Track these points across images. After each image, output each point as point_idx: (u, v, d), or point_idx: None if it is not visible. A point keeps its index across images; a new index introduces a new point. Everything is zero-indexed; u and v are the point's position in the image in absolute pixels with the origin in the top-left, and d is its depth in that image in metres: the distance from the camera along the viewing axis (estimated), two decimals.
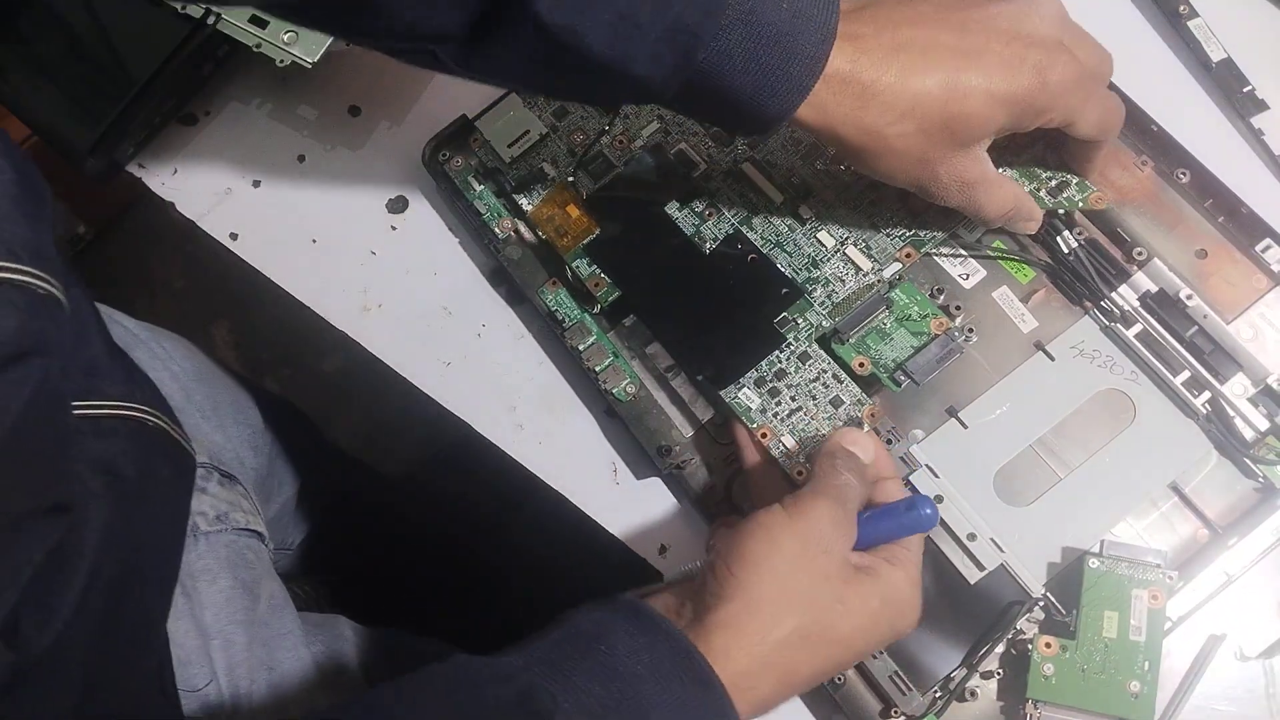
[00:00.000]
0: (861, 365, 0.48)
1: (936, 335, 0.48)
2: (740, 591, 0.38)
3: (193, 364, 0.62)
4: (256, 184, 0.60)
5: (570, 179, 0.55)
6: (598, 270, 0.53)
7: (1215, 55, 0.54)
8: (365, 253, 0.58)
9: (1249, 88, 0.53)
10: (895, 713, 0.44)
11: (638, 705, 0.35)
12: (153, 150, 0.60)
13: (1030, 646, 0.44)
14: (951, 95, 0.40)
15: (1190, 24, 0.54)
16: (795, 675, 0.39)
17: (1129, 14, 0.56)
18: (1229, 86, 0.53)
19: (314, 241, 0.58)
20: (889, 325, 0.49)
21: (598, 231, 0.53)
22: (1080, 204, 0.49)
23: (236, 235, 0.59)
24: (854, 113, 0.41)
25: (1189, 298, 0.48)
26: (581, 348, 0.52)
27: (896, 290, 0.49)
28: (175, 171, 0.60)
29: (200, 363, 0.63)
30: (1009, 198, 0.45)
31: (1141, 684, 0.43)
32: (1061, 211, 0.49)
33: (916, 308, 0.49)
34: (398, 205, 0.59)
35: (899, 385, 0.48)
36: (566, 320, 0.53)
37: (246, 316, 0.56)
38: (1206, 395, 0.47)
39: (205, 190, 0.60)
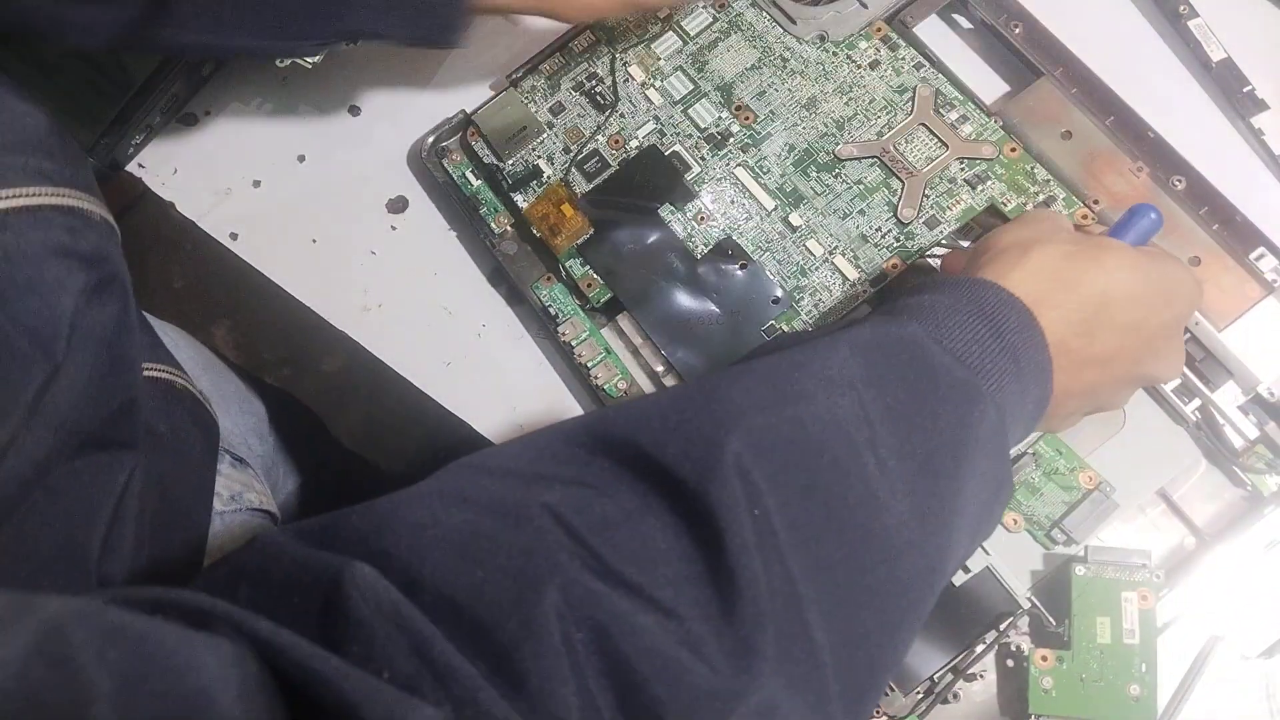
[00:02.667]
0: None
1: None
2: (998, 276, 0.39)
3: (197, 353, 0.64)
4: (257, 184, 0.62)
5: (565, 178, 0.56)
6: (590, 270, 0.54)
7: (1215, 55, 0.54)
8: (365, 252, 0.60)
9: (1249, 88, 0.54)
10: (878, 713, 0.46)
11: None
12: (153, 150, 0.62)
13: (1026, 661, 0.45)
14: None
15: (1190, 24, 0.55)
16: (1092, 343, 0.40)
17: (1129, 14, 0.57)
18: (1229, 86, 0.54)
19: (314, 241, 0.60)
20: None
21: (591, 232, 0.55)
22: (1069, 219, 0.50)
23: (237, 235, 0.61)
24: None
25: None
26: (574, 343, 0.54)
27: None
28: (175, 171, 0.62)
29: (204, 353, 0.65)
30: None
31: (1141, 687, 0.44)
32: None
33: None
34: (398, 205, 0.61)
35: None
36: (560, 315, 0.55)
37: (246, 316, 0.58)
38: (1197, 403, 0.48)
39: (205, 190, 0.62)
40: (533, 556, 0.28)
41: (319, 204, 0.61)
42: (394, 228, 0.60)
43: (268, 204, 0.61)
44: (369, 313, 0.59)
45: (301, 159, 0.62)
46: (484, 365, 0.57)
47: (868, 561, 0.32)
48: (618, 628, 0.27)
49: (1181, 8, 0.55)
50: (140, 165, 0.62)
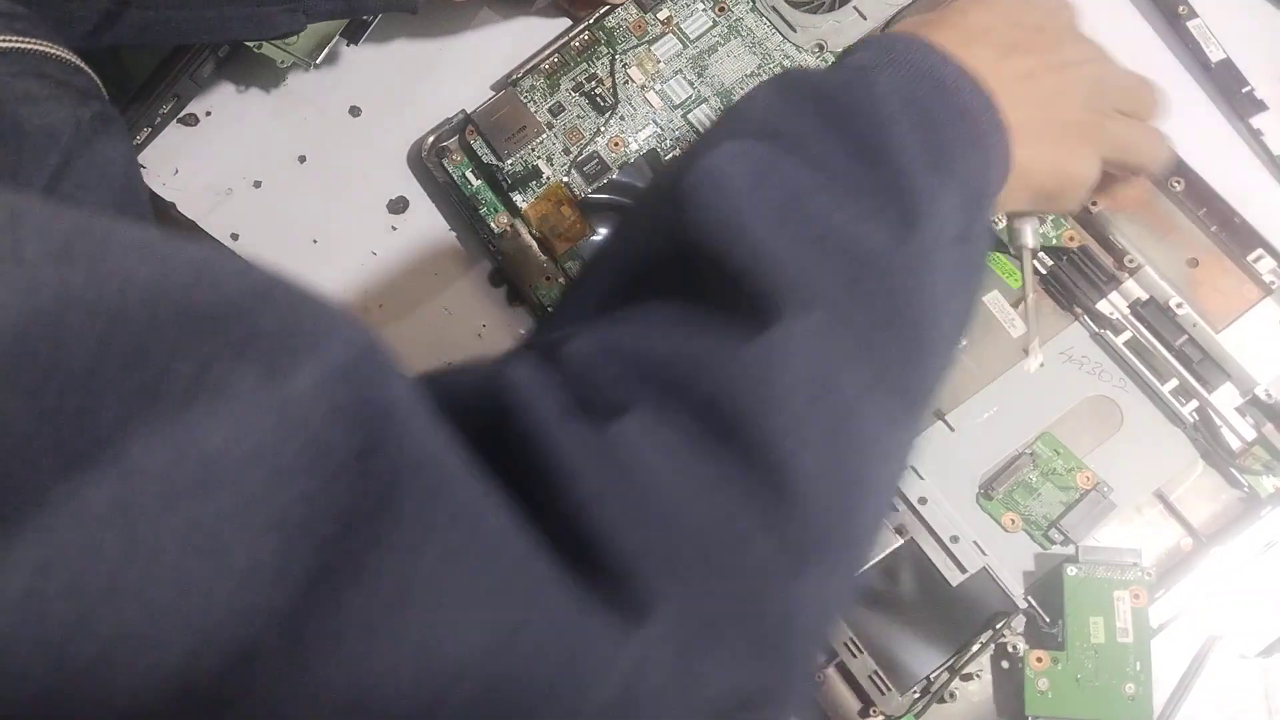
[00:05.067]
0: None
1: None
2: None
3: None
4: (257, 184, 0.63)
5: (565, 179, 0.58)
6: None
7: (1214, 55, 0.56)
8: (366, 253, 0.61)
9: (1248, 88, 0.55)
10: (874, 712, 0.47)
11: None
12: (153, 151, 0.63)
13: (1021, 662, 0.46)
14: None
15: (1189, 24, 0.56)
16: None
17: (1128, 14, 0.59)
18: (1228, 87, 0.55)
19: (315, 242, 0.62)
20: None
21: (591, 234, 0.56)
22: (1055, 240, 0.52)
23: (237, 236, 0.62)
24: None
25: (1179, 306, 0.50)
26: None
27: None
28: (176, 172, 0.64)
29: None
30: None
31: (1136, 685, 0.45)
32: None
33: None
34: (398, 206, 0.62)
35: None
36: None
37: None
38: (1194, 404, 0.49)
39: (206, 191, 0.63)
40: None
41: (320, 205, 0.62)
42: (394, 228, 0.62)
43: (269, 204, 0.63)
44: (370, 313, 0.60)
45: (302, 160, 0.63)
46: None
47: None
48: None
49: (1181, 8, 0.56)
50: (141, 166, 0.63)
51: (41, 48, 0.40)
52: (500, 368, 0.26)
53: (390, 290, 0.60)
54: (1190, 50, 0.57)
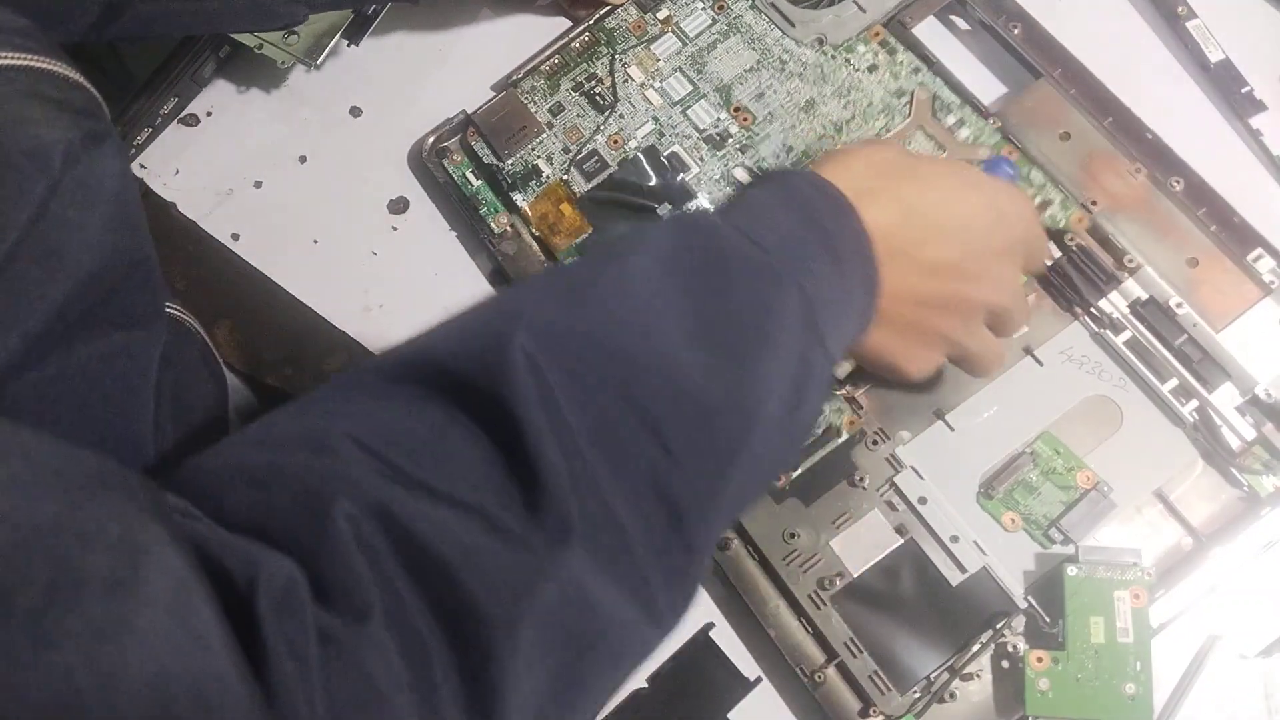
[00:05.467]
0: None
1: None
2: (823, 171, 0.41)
3: None
4: (258, 184, 0.63)
5: (564, 177, 0.58)
6: None
7: (1214, 56, 0.56)
8: (367, 253, 0.62)
9: (1247, 88, 0.55)
10: (874, 712, 0.47)
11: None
12: (154, 151, 0.64)
13: (1021, 662, 0.46)
14: None
15: (1189, 25, 0.56)
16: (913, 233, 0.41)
17: (1127, 14, 0.59)
18: (1227, 87, 0.56)
19: (315, 242, 0.62)
20: None
21: (590, 231, 0.57)
22: (1063, 223, 0.52)
23: (238, 236, 0.62)
24: None
25: (1179, 306, 0.50)
26: None
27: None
28: (177, 172, 0.64)
29: None
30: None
31: (1136, 685, 0.45)
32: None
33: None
34: (399, 206, 0.62)
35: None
36: None
37: (248, 316, 0.60)
38: (1194, 404, 0.49)
39: (207, 191, 0.63)
40: (324, 473, 0.29)
41: (320, 204, 0.63)
42: (395, 228, 0.62)
43: (269, 204, 0.63)
44: (370, 313, 0.60)
45: (303, 160, 0.64)
46: None
47: (671, 440, 0.32)
48: (414, 523, 0.28)
49: (1180, 8, 0.57)
50: (142, 166, 0.64)
51: (38, 64, 0.40)
52: (255, 566, 0.26)
53: (390, 290, 0.61)
54: (1189, 50, 0.57)
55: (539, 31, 0.63)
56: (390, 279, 0.61)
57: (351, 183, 0.63)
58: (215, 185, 0.63)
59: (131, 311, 0.41)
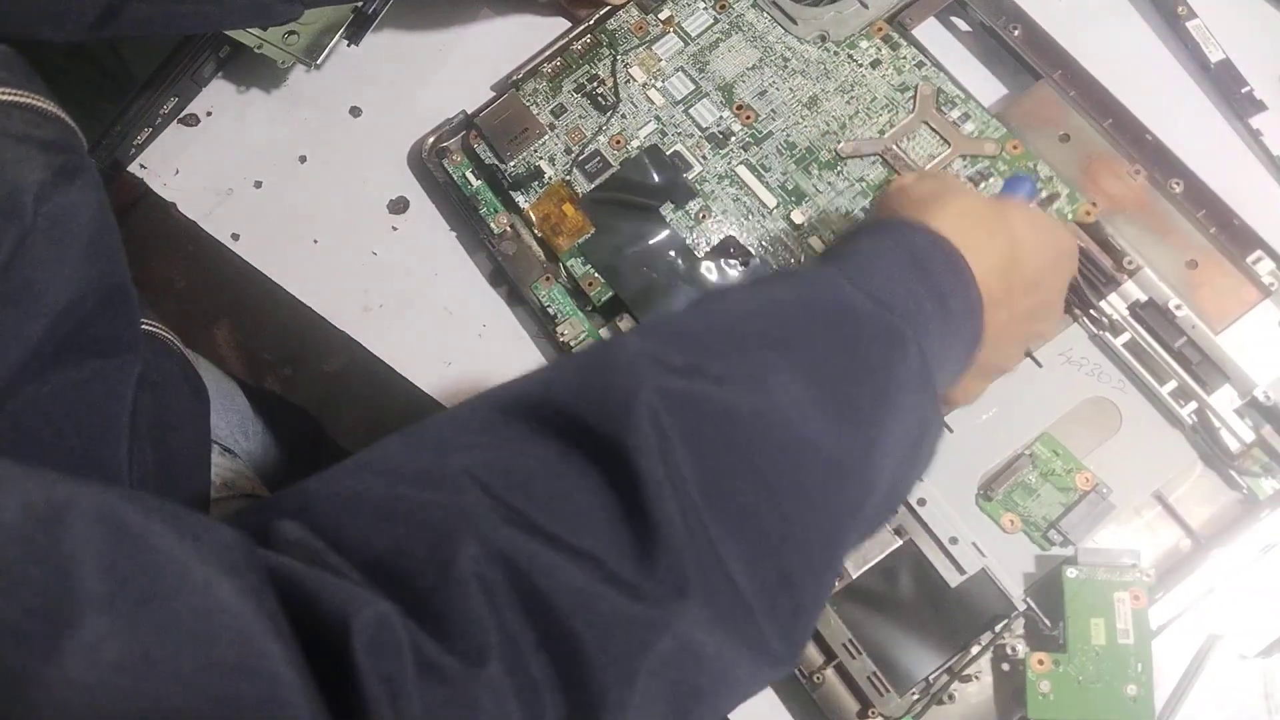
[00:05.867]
0: None
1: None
2: (927, 220, 0.42)
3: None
4: (258, 184, 0.64)
5: (567, 178, 0.58)
6: (591, 270, 0.56)
7: (1214, 56, 0.56)
8: (367, 253, 0.62)
9: (1247, 88, 0.55)
10: (873, 713, 0.47)
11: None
12: (154, 151, 0.64)
13: (1022, 665, 0.46)
14: None
15: (1189, 24, 0.56)
16: (1009, 301, 0.42)
17: (1128, 15, 0.59)
18: (1227, 87, 0.56)
19: (315, 242, 0.62)
20: None
21: (593, 231, 0.57)
22: (1070, 216, 0.52)
23: (238, 235, 0.63)
24: None
25: (1178, 308, 0.50)
26: (573, 343, 0.56)
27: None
28: (177, 172, 0.64)
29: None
30: None
31: (1138, 686, 0.45)
32: None
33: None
34: (399, 206, 0.63)
35: None
36: (559, 316, 0.57)
37: (248, 317, 0.60)
38: (1193, 405, 0.50)
39: (207, 190, 0.64)
40: (449, 512, 0.29)
41: (320, 204, 0.63)
42: (395, 228, 0.62)
43: (269, 204, 0.63)
44: (370, 313, 0.61)
45: (303, 160, 0.64)
46: (485, 365, 0.59)
47: (788, 507, 0.33)
48: (535, 569, 0.29)
49: (1180, 8, 0.57)
50: (142, 166, 0.64)
51: (10, 97, 0.40)
52: (350, 606, 0.26)
53: (390, 290, 0.61)
54: (1190, 50, 0.57)
55: (539, 32, 0.63)
56: (390, 279, 0.61)
57: (351, 183, 0.63)
58: (215, 185, 0.64)
59: (107, 340, 0.41)
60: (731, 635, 0.32)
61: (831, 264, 0.39)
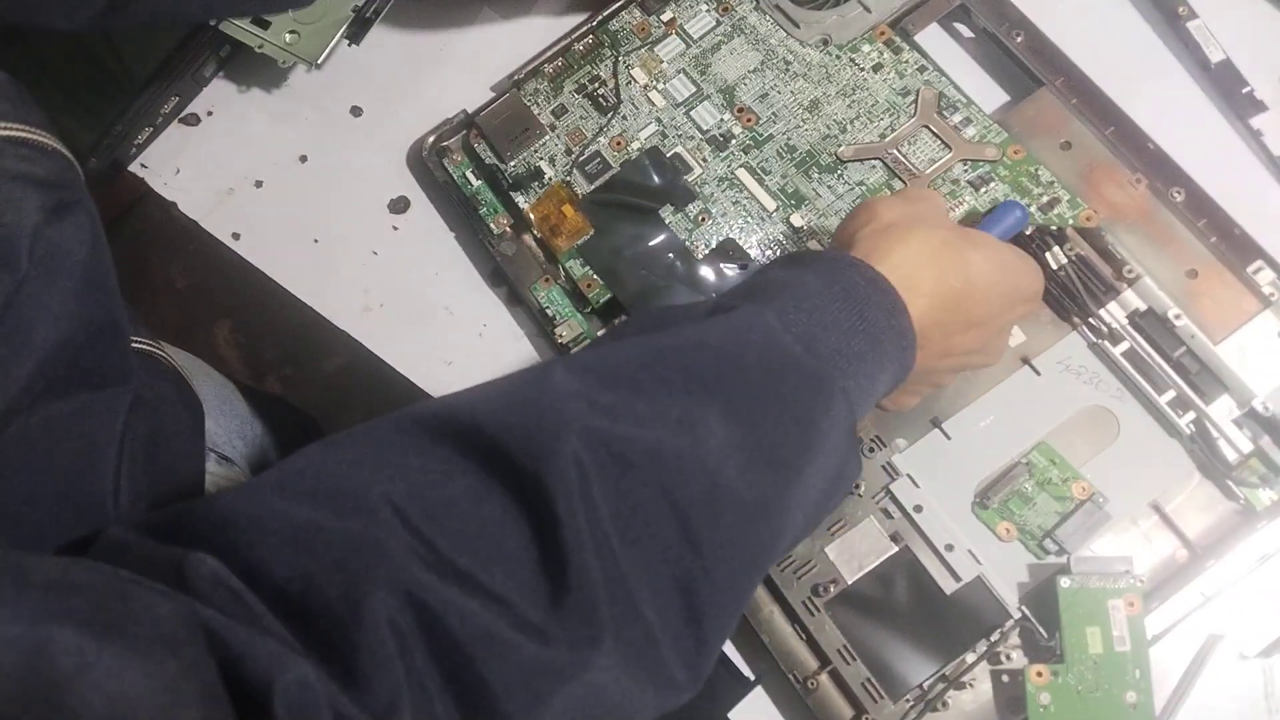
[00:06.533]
0: None
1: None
2: (877, 254, 0.42)
3: (175, 357, 0.66)
4: (259, 184, 0.64)
5: (567, 179, 0.59)
6: (590, 271, 0.57)
7: (1214, 56, 0.56)
8: (367, 252, 0.62)
9: (1248, 89, 0.56)
10: (866, 719, 0.48)
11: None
12: (155, 150, 0.65)
13: (1021, 676, 0.47)
14: None
15: (1189, 25, 0.56)
16: (949, 329, 0.43)
17: (1128, 15, 0.59)
18: (1228, 87, 0.56)
19: (316, 241, 0.63)
20: None
21: (592, 233, 0.57)
22: (1071, 221, 0.52)
23: (239, 235, 0.63)
24: None
25: (1177, 317, 0.51)
26: (571, 344, 0.56)
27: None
28: (178, 171, 0.65)
29: (181, 358, 0.66)
30: None
31: (1137, 693, 0.46)
32: (1053, 227, 0.52)
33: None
34: (399, 205, 0.63)
35: None
36: (557, 317, 0.57)
37: (248, 316, 0.61)
38: (1191, 415, 0.50)
39: (207, 190, 0.64)
40: (363, 550, 0.30)
41: (321, 204, 0.63)
42: (395, 228, 0.63)
43: (270, 204, 0.64)
44: (370, 312, 0.61)
45: (303, 159, 0.64)
46: (484, 365, 0.60)
47: (704, 547, 0.34)
48: (445, 613, 0.29)
49: (1180, 9, 0.57)
50: (143, 165, 0.65)
51: (6, 132, 0.39)
52: (274, 669, 0.26)
53: (390, 290, 0.62)
54: (1190, 51, 0.57)
55: (539, 32, 0.63)
56: (390, 279, 0.62)
57: (351, 183, 0.64)
58: (216, 184, 0.64)
59: (98, 372, 0.41)
60: (637, 670, 0.33)
61: (768, 304, 0.39)
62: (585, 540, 0.31)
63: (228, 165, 0.64)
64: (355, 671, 0.28)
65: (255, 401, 0.67)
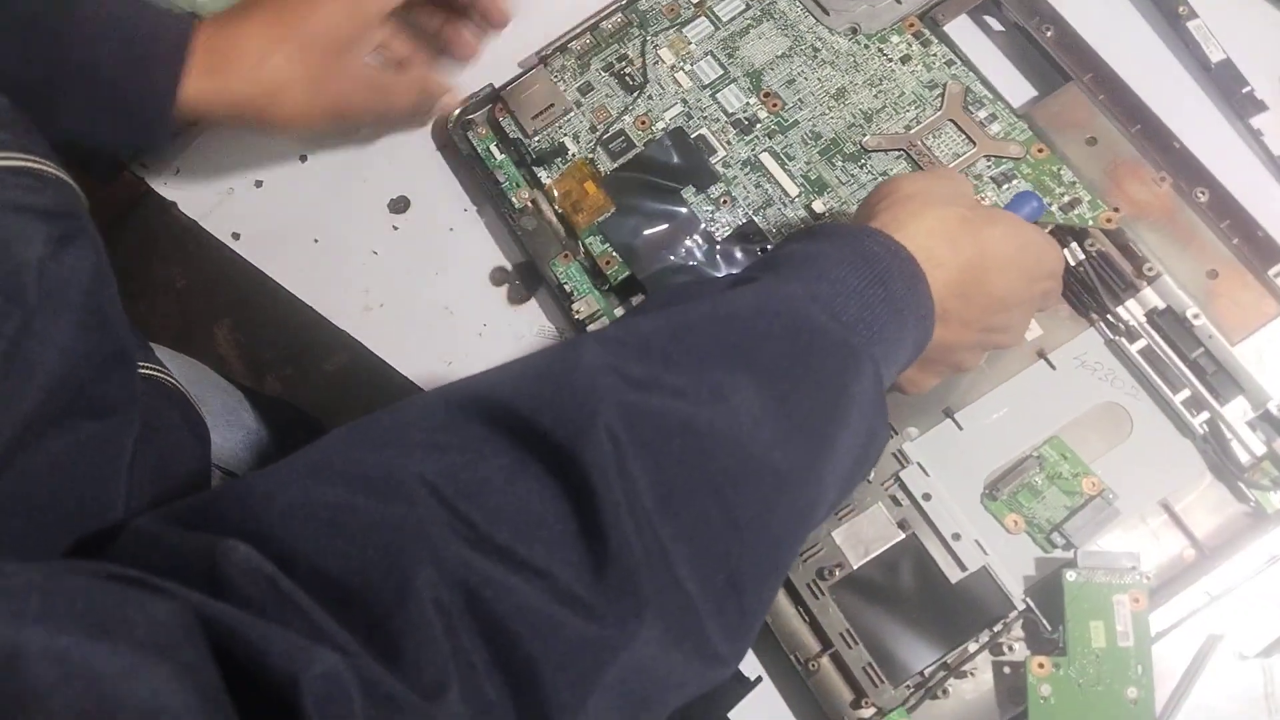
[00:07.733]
0: None
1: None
2: (896, 224, 0.43)
3: (181, 369, 0.66)
4: (259, 184, 0.64)
5: (590, 156, 0.59)
6: (610, 248, 0.57)
7: (1214, 56, 0.57)
8: (367, 252, 0.63)
9: (1248, 88, 0.56)
10: (866, 703, 0.48)
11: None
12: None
13: (1022, 667, 0.47)
14: None
15: (1190, 25, 0.57)
16: (967, 302, 0.44)
17: (1128, 15, 0.59)
18: (1228, 87, 0.56)
19: (316, 241, 0.63)
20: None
21: (613, 210, 0.58)
22: (1091, 222, 0.52)
23: (239, 235, 0.63)
24: None
25: (1196, 317, 0.51)
26: (587, 320, 0.57)
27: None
28: (177, 171, 0.65)
29: (188, 369, 0.67)
30: None
31: (1138, 689, 0.46)
32: (1074, 227, 0.53)
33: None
34: (399, 205, 0.63)
35: None
36: (575, 293, 0.58)
37: (249, 316, 0.61)
38: (1205, 416, 0.51)
39: (207, 190, 0.64)
40: (404, 530, 0.30)
41: (321, 204, 0.64)
42: (396, 227, 0.63)
43: (270, 204, 0.64)
44: (370, 312, 0.61)
45: (304, 159, 0.65)
46: (484, 365, 0.58)
47: (741, 518, 0.34)
48: (489, 590, 0.29)
49: (1181, 8, 0.57)
50: (142, 165, 0.65)
51: (11, 161, 0.39)
52: (298, 662, 0.26)
53: (390, 290, 0.62)
54: (1190, 50, 0.58)
55: (567, 9, 0.63)
56: (391, 279, 0.62)
57: (352, 182, 0.64)
58: (216, 184, 0.64)
59: (103, 402, 0.41)
60: (681, 644, 0.33)
61: (791, 275, 0.40)
62: (623, 513, 0.32)
63: (228, 165, 0.65)
64: (402, 652, 0.28)
65: (261, 408, 0.66)
